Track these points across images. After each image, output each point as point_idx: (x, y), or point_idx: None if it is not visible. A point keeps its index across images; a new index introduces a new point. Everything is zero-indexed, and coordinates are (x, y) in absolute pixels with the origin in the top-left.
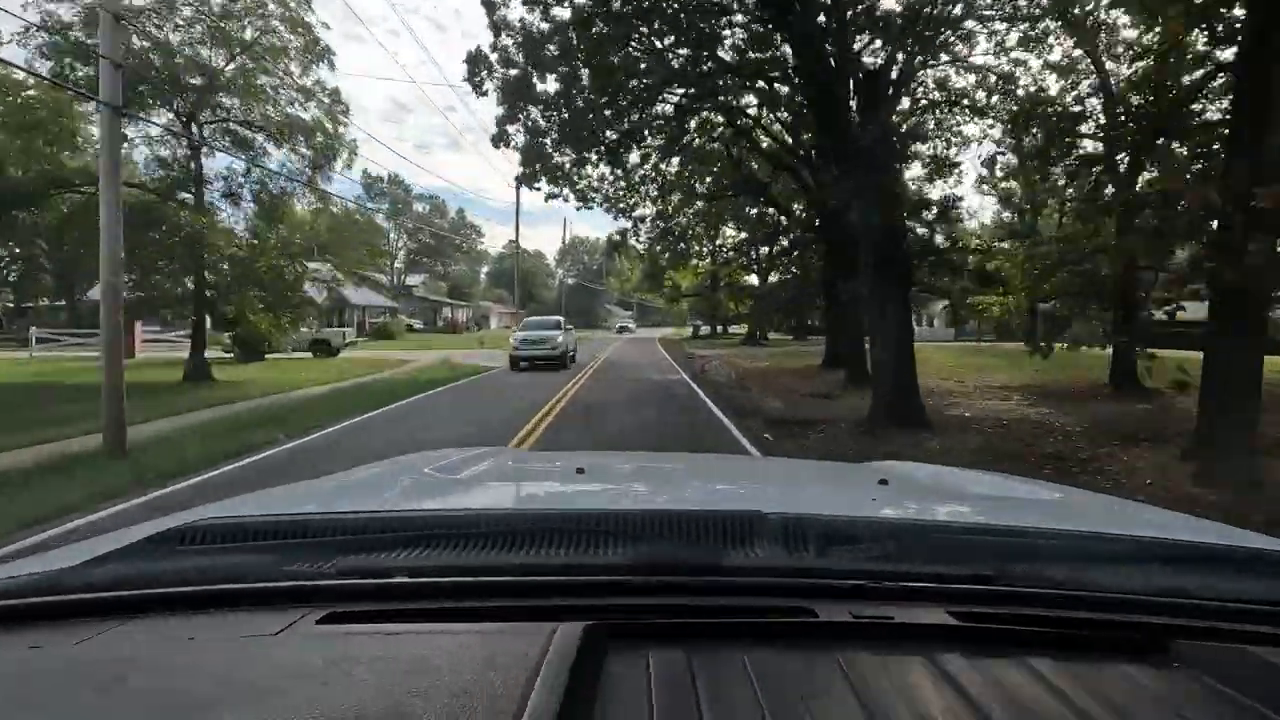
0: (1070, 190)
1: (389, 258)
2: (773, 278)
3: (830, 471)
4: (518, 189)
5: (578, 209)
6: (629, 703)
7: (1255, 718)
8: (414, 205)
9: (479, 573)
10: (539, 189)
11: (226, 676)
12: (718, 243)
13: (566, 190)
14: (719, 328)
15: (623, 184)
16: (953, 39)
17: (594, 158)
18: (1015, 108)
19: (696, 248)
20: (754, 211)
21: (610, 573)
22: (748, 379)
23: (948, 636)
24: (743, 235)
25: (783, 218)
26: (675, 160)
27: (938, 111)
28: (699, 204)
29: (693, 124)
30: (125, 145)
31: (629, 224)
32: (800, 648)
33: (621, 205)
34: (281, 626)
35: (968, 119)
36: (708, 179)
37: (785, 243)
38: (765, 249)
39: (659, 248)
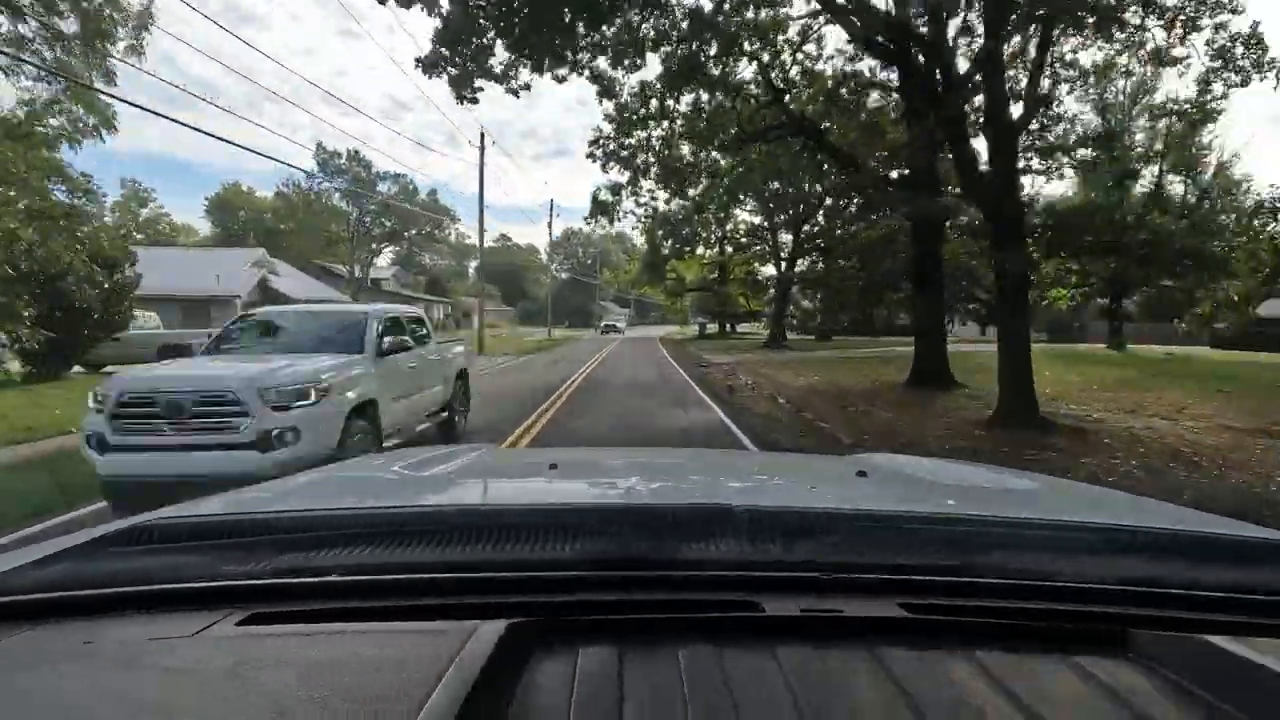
0: None
1: (346, 244)
2: (801, 264)
3: (808, 465)
4: (482, 148)
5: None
6: (547, 702)
7: (1208, 708)
8: (379, 187)
9: (414, 570)
10: (473, 96)
11: (118, 682)
12: (728, 228)
13: (514, 87)
14: (727, 326)
15: (612, 117)
16: None
17: (565, 69)
18: None
19: (704, 234)
20: (802, 159)
21: (554, 569)
22: (809, 407)
23: (897, 629)
24: (757, 220)
25: (839, 172)
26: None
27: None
28: (718, 160)
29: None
30: None
31: (623, 176)
32: (741, 643)
33: (614, 148)
34: (200, 627)
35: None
36: (730, 127)
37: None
38: (802, 228)
39: (660, 233)
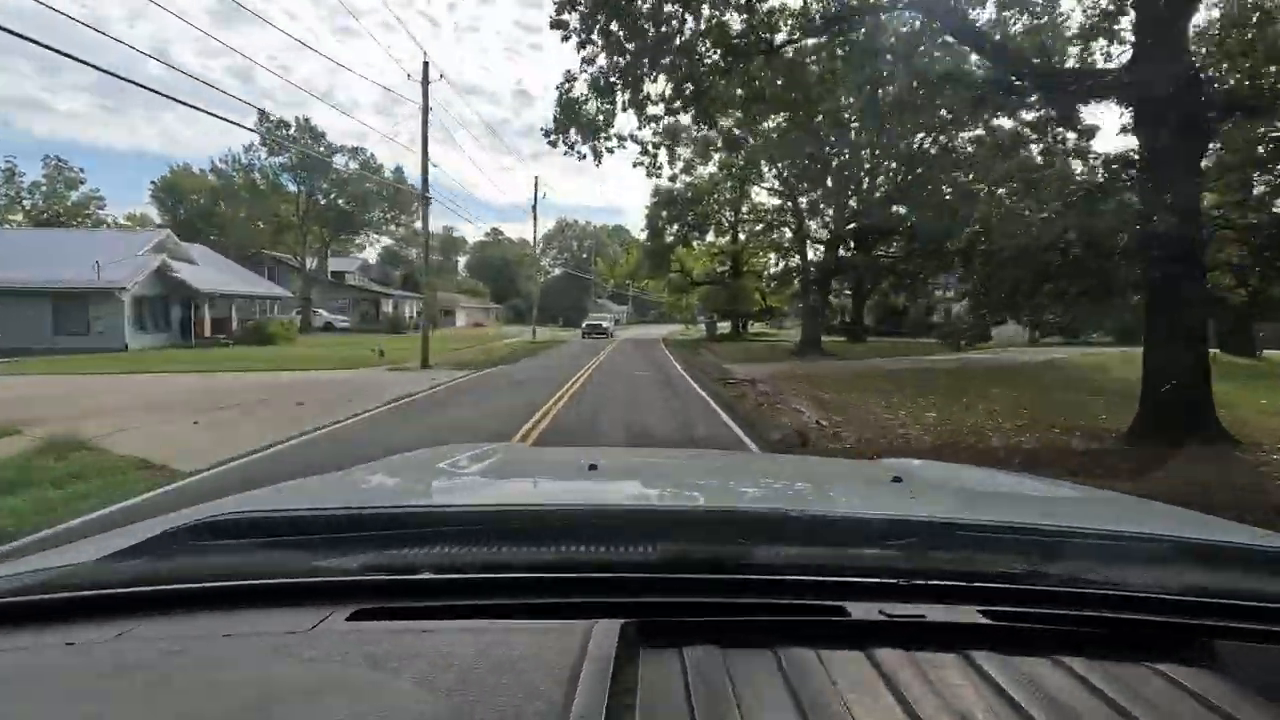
0: None
1: (297, 229)
2: (807, 254)
3: (842, 469)
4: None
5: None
6: (668, 701)
7: None
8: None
9: (507, 569)
10: None
11: (268, 673)
12: (742, 210)
13: None
14: (740, 325)
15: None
16: None
17: None
18: None
19: (717, 214)
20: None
21: (641, 569)
22: None
23: (980, 635)
24: (775, 202)
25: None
26: None
27: None
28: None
29: None
30: None
31: (615, 65)
32: (832, 645)
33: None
34: (313, 623)
35: None
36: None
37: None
38: (848, 203)
39: (664, 215)
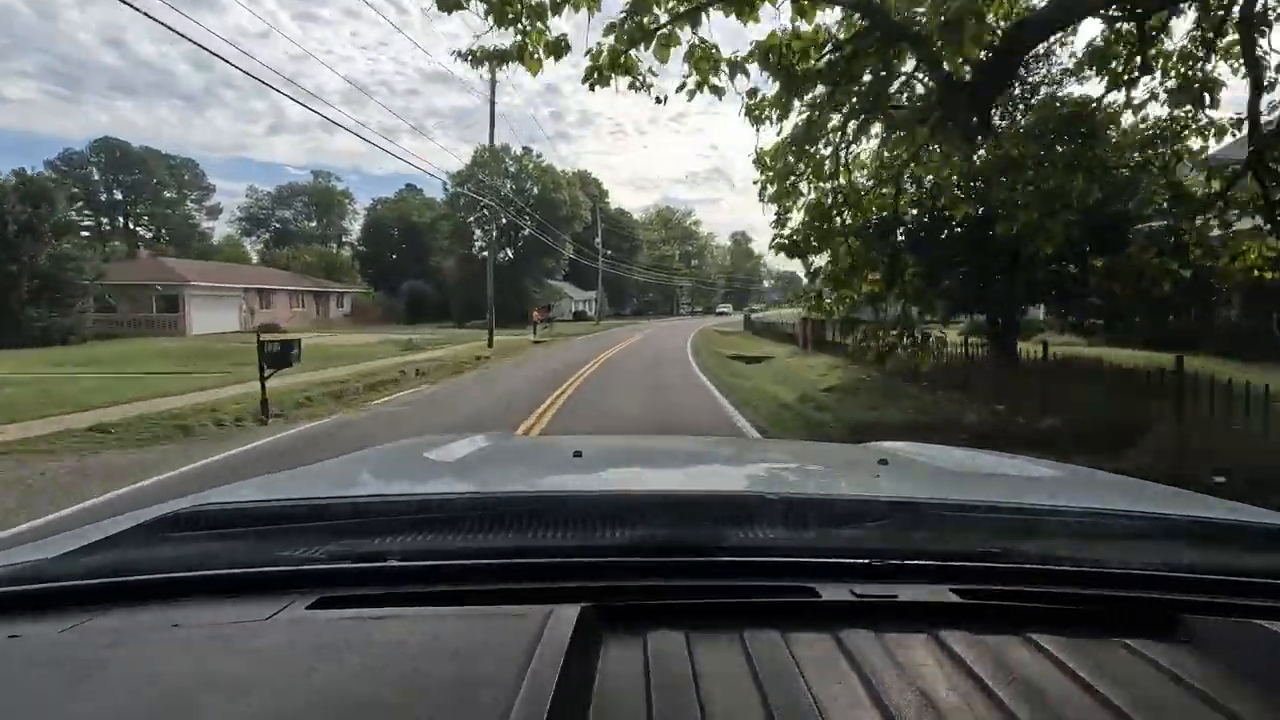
0: None
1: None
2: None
3: (830, 453)
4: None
5: None
6: (626, 684)
7: (1264, 692)
8: None
9: (473, 555)
10: None
11: (212, 663)
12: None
13: None
14: (1006, 331)
15: None
16: None
17: None
18: None
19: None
20: None
21: (609, 554)
22: None
23: (952, 614)
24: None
25: None
26: None
27: None
28: None
29: None
30: None
31: None
32: (801, 627)
33: None
34: (272, 612)
35: None
36: None
37: None
38: None
39: (793, 150)
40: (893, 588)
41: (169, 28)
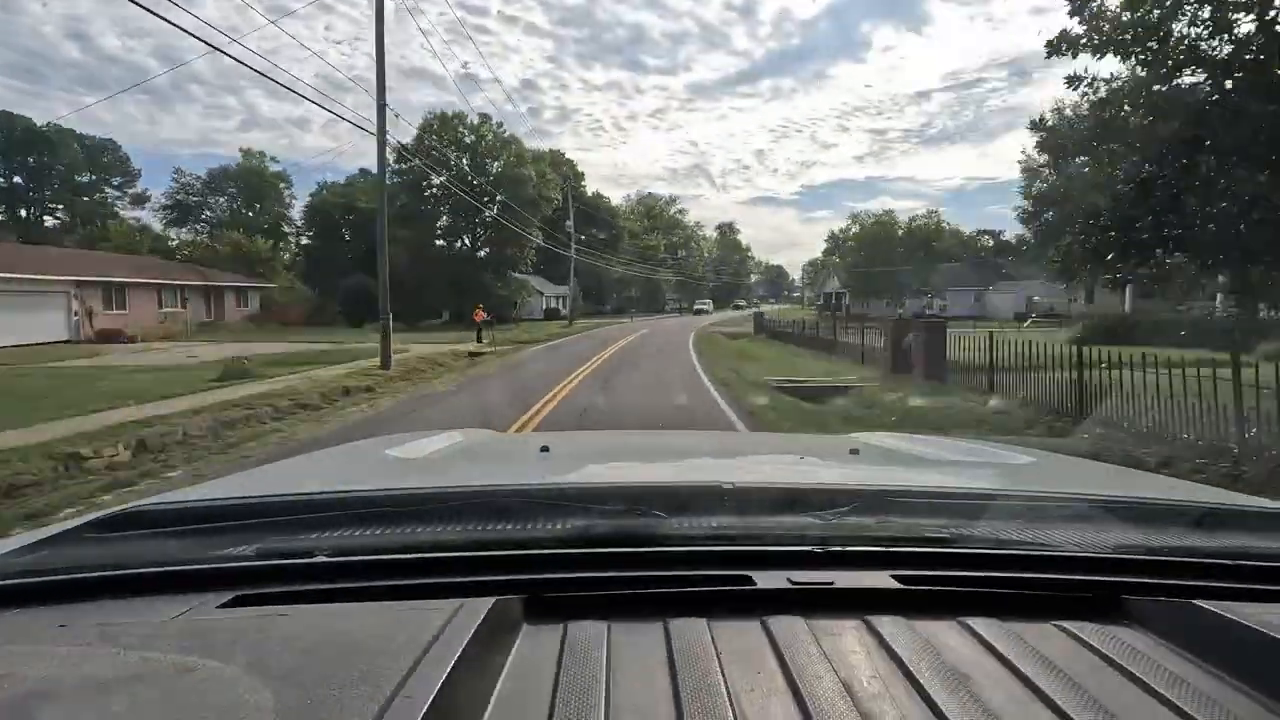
0: None
1: None
2: None
3: (804, 444)
4: None
5: None
6: (536, 676)
7: (1200, 672)
8: None
9: (400, 549)
10: None
11: (83, 665)
12: None
13: None
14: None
15: None
16: None
17: None
18: None
19: None
20: None
21: (542, 546)
22: None
23: (888, 601)
24: None
25: None
26: None
27: None
28: None
29: None
30: None
31: None
32: (730, 616)
33: None
34: (180, 610)
35: None
36: None
37: None
38: None
39: None
40: (831, 574)
41: None
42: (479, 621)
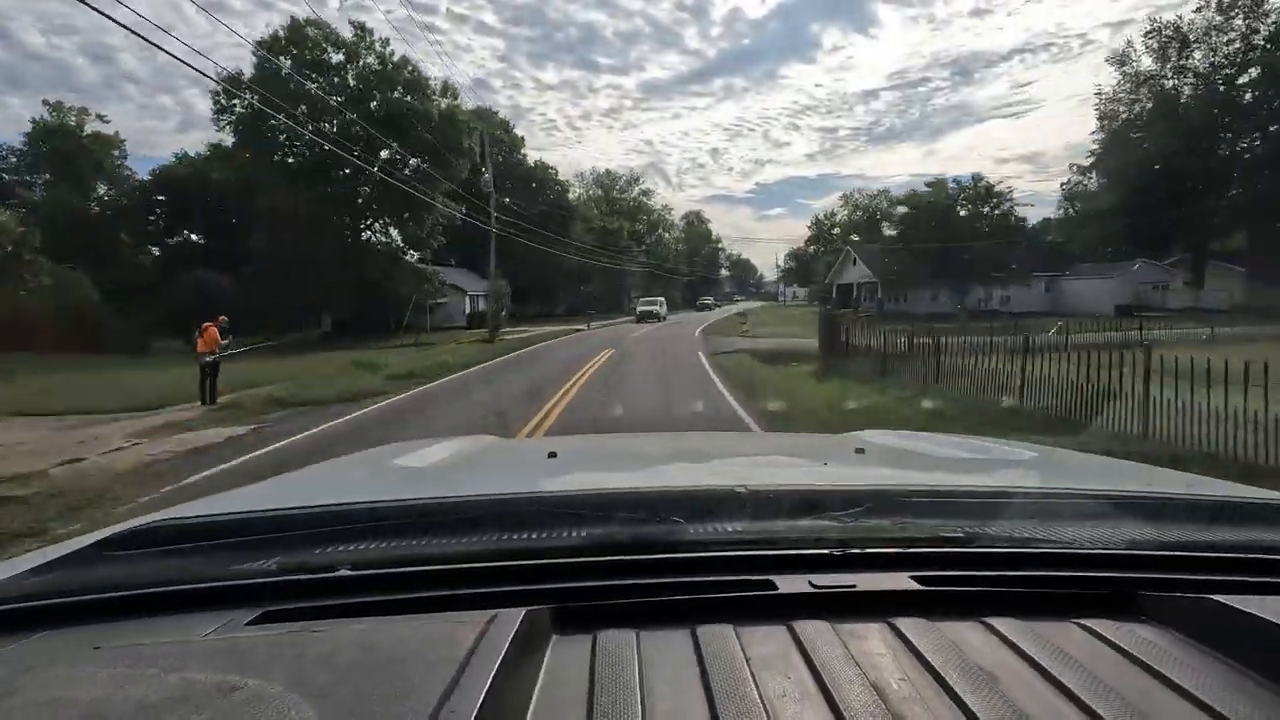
0: None
1: None
2: None
3: (809, 444)
4: None
5: None
6: (570, 686)
7: (1219, 667)
8: None
9: (424, 561)
10: None
11: (125, 686)
12: None
13: None
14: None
15: None
16: None
17: None
18: None
19: None
20: None
21: (568, 555)
22: None
23: (910, 602)
24: None
25: None
26: None
27: None
28: None
29: None
30: None
31: None
32: (755, 620)
33: None
34: (210, 629)
35: None
36: None
37: None
38: None
39: None
40: (852, 577)
41: None
42: (513, 633)
